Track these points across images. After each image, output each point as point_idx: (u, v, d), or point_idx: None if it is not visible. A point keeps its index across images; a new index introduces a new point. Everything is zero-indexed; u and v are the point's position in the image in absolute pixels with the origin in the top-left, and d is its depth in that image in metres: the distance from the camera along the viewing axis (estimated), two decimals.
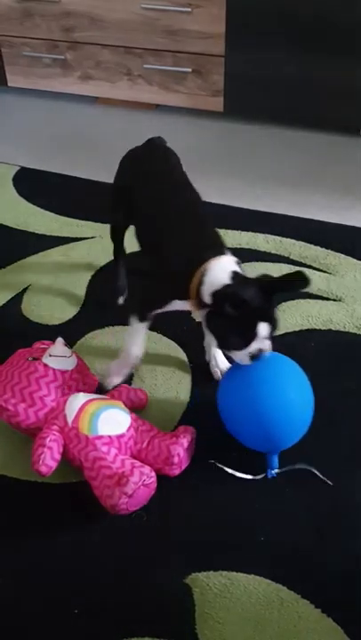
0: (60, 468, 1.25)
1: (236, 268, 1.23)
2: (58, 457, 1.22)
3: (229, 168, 2.32)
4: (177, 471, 1.25)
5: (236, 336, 1.20)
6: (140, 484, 1.16)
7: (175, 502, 1.24)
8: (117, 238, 1.64)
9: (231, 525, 1.21)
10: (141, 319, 1.36)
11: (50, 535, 1.20)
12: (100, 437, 1.23)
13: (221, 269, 1.21)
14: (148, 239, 1.42)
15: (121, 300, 1.67)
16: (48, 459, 1.20)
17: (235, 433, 1.29)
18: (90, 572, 1.15)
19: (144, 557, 1.17)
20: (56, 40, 2.63)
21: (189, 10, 2.38)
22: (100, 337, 1.60)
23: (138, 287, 1.38)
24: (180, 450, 1.24)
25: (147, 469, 1.18)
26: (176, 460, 1.23)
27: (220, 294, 1.18)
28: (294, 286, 1.25)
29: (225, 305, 1.15)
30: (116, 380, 1.42)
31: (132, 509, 1.18)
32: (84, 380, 1.37)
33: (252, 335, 1.19)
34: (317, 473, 1.27)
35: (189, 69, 2.52)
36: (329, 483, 1.27)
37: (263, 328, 1.19)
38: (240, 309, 1.15)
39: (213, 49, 2.44)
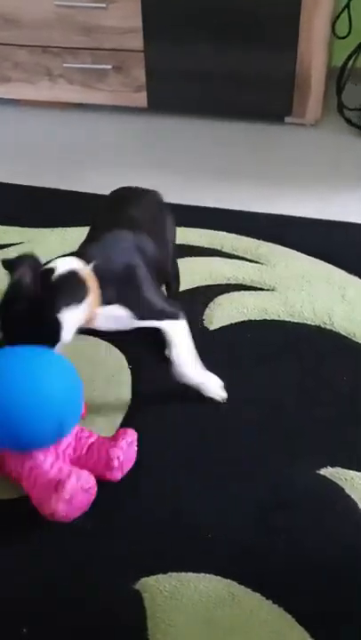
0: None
1: (56, 271, 1.12)
2: None
3: (156, 163, 2.30)
4: (119, 475, 1.23)
5: None
6: (78, 488, 1.14)
7: (119, 506, 1.22)
8: None
9: (177, 525, 1.20)
10: None
11: None
12: None
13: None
14: None
15: None
16: None
17: None
18: (37, 586, 1.12)
19: (91, 566, 1.14)
20: None
21: (104, 6, 2.34)
22: None
23: None
24: (119, 453, 1.22)
25: (84, 473, 1.16)
26: (116, 463, 1.22)
27: None
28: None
29: None
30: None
31: (71, 516, 1.15)
32: None
33: None
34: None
35: (110, 66, 2.48)
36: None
37: None
38: None
39: (132, 44, 2.42)
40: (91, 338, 1.56)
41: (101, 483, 1.20)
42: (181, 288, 1.62)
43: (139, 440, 1.29)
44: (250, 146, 2.40)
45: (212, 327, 1.60)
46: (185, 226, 1.93)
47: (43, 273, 1.12)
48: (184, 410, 1.40)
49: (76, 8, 2.37)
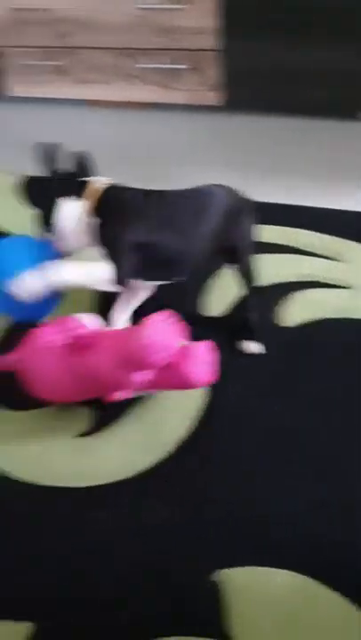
0: (62, 470, 1.25)
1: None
2: None
3: (230, 161, 2.30)
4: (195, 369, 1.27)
5: None
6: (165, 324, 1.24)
7: (192, 499, 1.24)
8: None
9: (256, 519, 1.20)
10: None
11: (72, 536, 1.20)
12: None
13: None
14: None
15: None
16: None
17: None
18: (114, 573, 1.14)
19: (169, 556, 1.16)
20: (51, 47, 2.64)
21: (181, 7, 2.37)
22: None
23: None
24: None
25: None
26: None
27: None
28: None
29: None
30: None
31: (155, 355, 1.22)
32: None
33: None
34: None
35: (185, 66, 2.51)
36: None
37: None
38: None
39: (208, 44, 2.43)
40: None
41: (173, 484, 1.22)
42: (255, 285, 1.61)
43: (218, 437, 1.29)
44: (324, 143, 2.37)
45: (285, 325, 1.58)
46: (259, 223, 1.93)
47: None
48: (260, 408, 1.40)
49: (155, 10, 2.41)
